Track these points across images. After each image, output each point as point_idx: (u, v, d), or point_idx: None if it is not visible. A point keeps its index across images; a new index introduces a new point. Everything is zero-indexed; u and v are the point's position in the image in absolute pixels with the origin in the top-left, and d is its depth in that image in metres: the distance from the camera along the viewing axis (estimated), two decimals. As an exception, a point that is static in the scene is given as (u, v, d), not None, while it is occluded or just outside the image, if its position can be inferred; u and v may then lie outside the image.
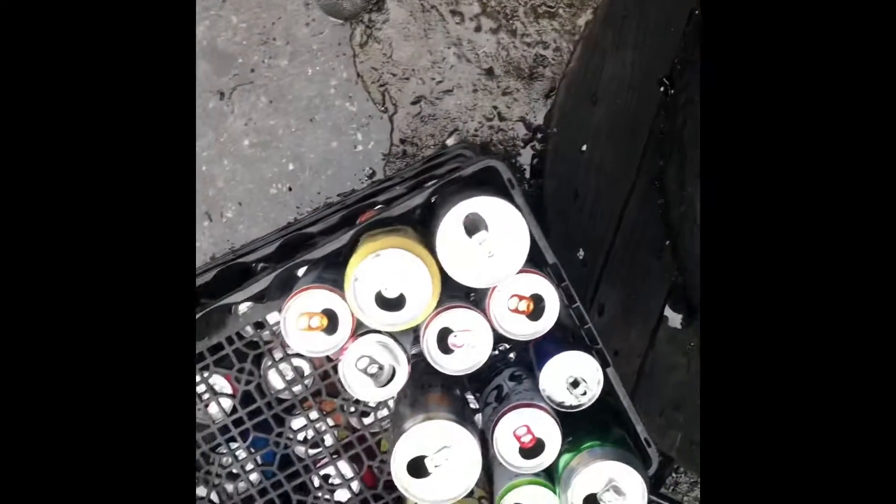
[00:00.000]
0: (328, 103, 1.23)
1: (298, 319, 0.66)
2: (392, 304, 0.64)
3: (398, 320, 0.64)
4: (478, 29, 1.19)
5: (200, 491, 0.85)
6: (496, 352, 0.85)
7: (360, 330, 0.68)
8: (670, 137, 1.06)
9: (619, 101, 1.08)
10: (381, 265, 0.63)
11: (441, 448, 0.65)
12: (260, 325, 0.81)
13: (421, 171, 0.96)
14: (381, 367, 0.67)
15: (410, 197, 0.70)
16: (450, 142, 1.23)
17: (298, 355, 0.83)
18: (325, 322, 0.66)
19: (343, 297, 0.66)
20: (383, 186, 0.91)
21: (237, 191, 1.25)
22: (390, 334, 0.67)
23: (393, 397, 0.68)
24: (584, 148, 1.08)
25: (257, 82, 1.22)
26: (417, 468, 0.65)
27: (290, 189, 1.25)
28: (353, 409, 0.84)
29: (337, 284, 0.67)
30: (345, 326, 0.67)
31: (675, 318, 1.13)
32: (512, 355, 0.84)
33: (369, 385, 0.68)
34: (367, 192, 0.95)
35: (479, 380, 0.83)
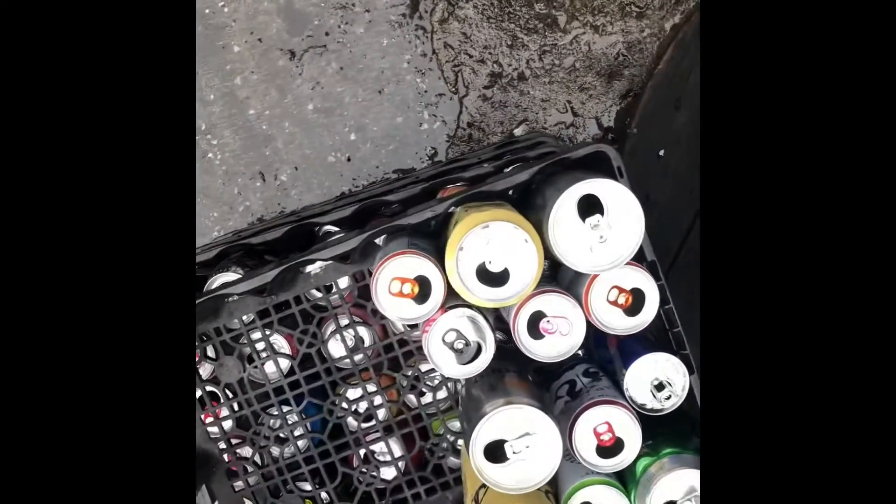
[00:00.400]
0: (399, 77, 1.20)
1: (391, 283, 0.63)
2: (495, 278, 0.61)
3: (499, 296, 0.61)
4: (561, 20, 1.16)
5: (245, 451, 0.83)
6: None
7: (449, 303, 0.65)
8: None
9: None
10: (489, 237, 0.60)
11: (523, 434, 0.62)
12: (329, 289, 0.79)
13: (501, 153, 0.93)
14: (467, 343, 0.65)
15: (514, 173, 0.68)
16: (517, 131, 1.20)
17: (364, 323, 0.81)
18: (416, 290, 0.64)
19: (437, 267, 0.64)
20: (466, 163, 0.89)
21: (294, 155, 1.22)
22: (480, 311, 0.65)
23: (473, 376, 0.65)
24: (661, 153, 1.06)
25: (330, 47, 1.20)
26: (495, 453, 0.63)
27: (348, 159, 1.22)
28: (412, 385, 0.81)
29: (431, 253, 0.65)
30: (436, 297, 0.64)
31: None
32: (580, 352, 0.82)
33: (452, 360, 0.65)
34: (449, 167, 0.92)
35: (542, 373, 0.80)
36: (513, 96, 1.19)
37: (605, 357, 0.76)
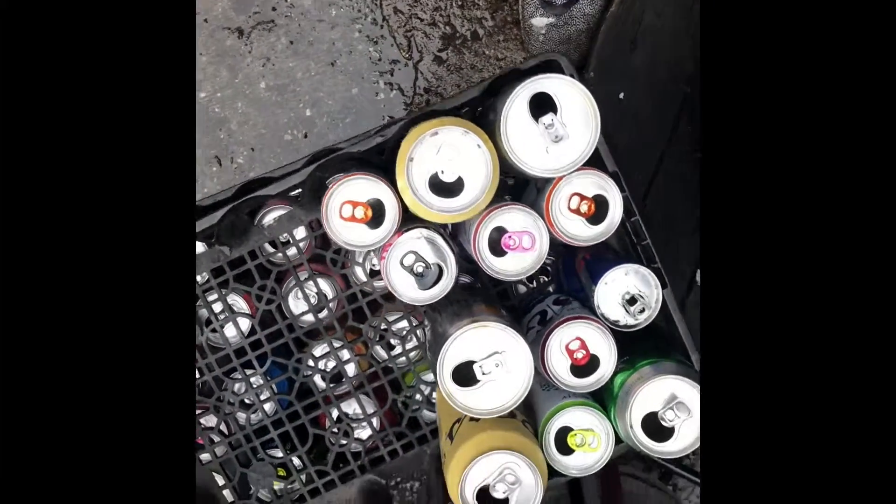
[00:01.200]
0: (351, 47, 1.18)
1: (342, 208, 0.60)
2: (448, 188, 0.58)
3: (454, 206, 0.58)
4: (511, -24, 1.15)
5: (209, 420, 0.79)
6: (534, 284, 0.79)
7: (406, 226, 0.62)
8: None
9: (658, 50, 1.04)
10: (439, 144, 0.57)
11: (492, 353, 0.59)
12: (286, 244, 0.75)
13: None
14: (427, 266, 0.62)
15: (464, 90, 0.65)
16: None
17: (324, 275, 0.77)
18: (369, 213, 0.61)
19: (390, 188, 0.61)
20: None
21: (250, 135, 1.19)
22: (439, 231, 0.62)
23: (438, 300, 0.62)
24: (621, 96, 1.04)
25: (278, 22, 1.17)
26: (465, 376, 0.59)
27: (305, 136, 1.19)
28: (380, 335, 0.78)
29: (384, 175, 0.62)
30: (390, 219, 0.61)
31: (705, 282, 1.08)
32: (551, 288, 0.79)
33: (413, 285, 0.62)
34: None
35: (513, 310, 0.77)
36: (468, 58, 1.17)
37: (575, 286, 0.73)
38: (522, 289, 0.79)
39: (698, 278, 1.09)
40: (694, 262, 1.10)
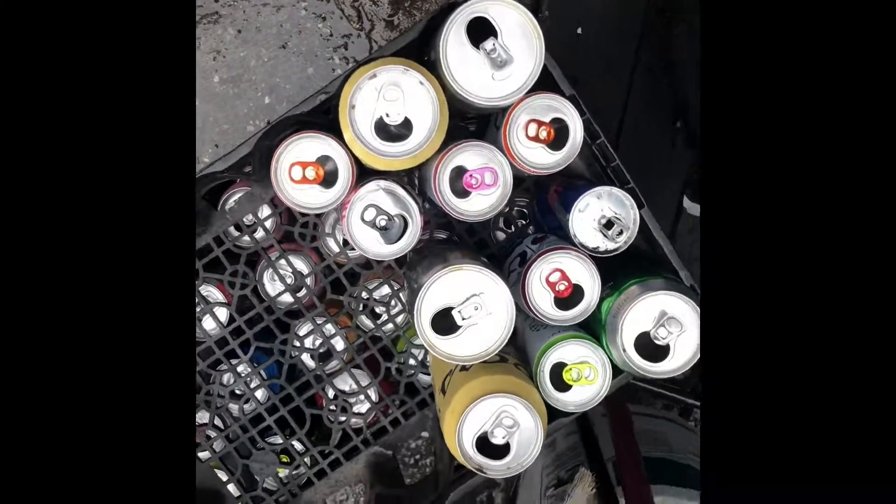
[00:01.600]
0: (300, 27, 1.15)
1: (291, 170, 0.58)
2: (396, 133, 0.56)
3: (405, 150, 0.56)
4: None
5: (202, 416, 0.77)
6: (511, 228, 0.77)
7: (362, 181, 0.60)
8: (669, 10, 0.99)
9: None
10: (380, 86, 0.55)
11: (469, 296, 0.56)
12: (248, 228, 0.73)
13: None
14: (390, 218, 0.59)
15: (403, 34, 0.62)
16: (433, 55, 1.15)
17: (295, 252, 0.75)
18: (320, 172, 0.58)
19: (338, 142, 0.58)
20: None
21: (212, 133, 1.17)
22: (396, 179, 0.59)
23: (408, 252, 0.60)
24: (579, 31, 1.01)
25: (222, 12, 1.15)
26: (445, 324, 0.57)
27: (268, 123, 1.16)
28: (363, 304, 0.75)
29: (330, 130, 0.59)
30: (343, 176, 0.59)
31: (693, 208, 1.06)
32: (530, 230, 0.76)
33: (378, 240, 0.60)
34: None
35: (492, 258, 0.75)
36: (419, 17, 1.13)
37: (553, 223, 0.71)
38: (502, 236, 0.76)
39: (686, 204, 1.07)
40: (679, 188, 1.07)
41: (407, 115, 0.55)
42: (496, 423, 0.56)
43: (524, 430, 0.57)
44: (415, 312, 0.56)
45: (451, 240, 0.74)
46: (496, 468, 0.57)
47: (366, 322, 0.77)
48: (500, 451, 0.57)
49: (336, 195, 0.59)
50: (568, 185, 0.66)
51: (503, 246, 0.74)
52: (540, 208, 0.72)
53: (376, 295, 0.75)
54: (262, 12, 1.15)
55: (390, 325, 0.76)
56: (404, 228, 0.60)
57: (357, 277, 0.76)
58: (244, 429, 0.77)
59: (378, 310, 0.76)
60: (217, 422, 0.77)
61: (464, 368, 0.60)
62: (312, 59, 1.16)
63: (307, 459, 0.77)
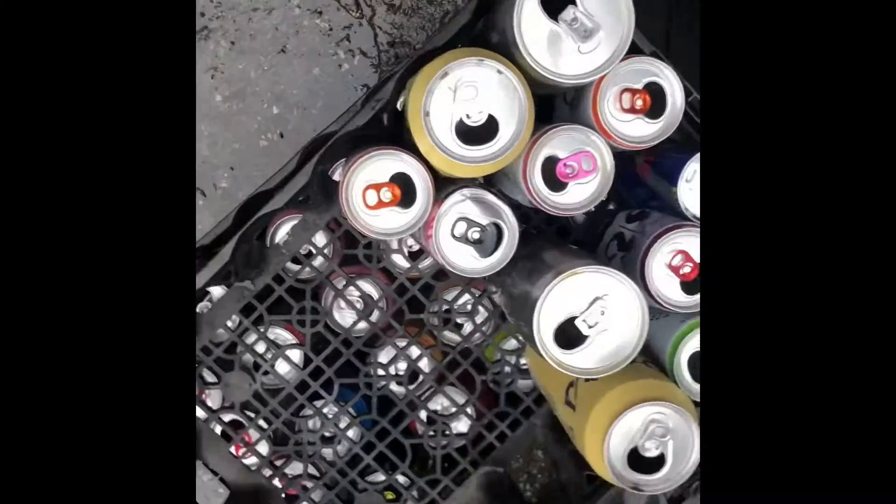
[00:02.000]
0: (297, 27, 1.07)
1: (365, 195, 0.51)
2: (481, 133, 0.49)
3: (494, 151, 0.49)
4: None
5: (295, 468, 0.71)
6: (593, 209, 0.70)
7: (443, 193, 0.53)
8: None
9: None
10: (454, 85, 0.48)
11: (593, 301, 0.50)
12: (307, 256, 0.66)
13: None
14: (483, 229, 0.52)
15: (452, 18, 0.55)
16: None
17: (362, 276, 0.68)
18: (397, 192, 0.51)
19: (412, 156, 0.51)
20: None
21: (224, 155, 1.09)
22: (483, 186, 0.52)
23: (505, 263, 0.53)
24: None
25: (211, 26, 1.06)
26: (569, 336, 0.51)
27: (281, 135, 1.09)
28: (444, 319, 0.69)
29: (392, 142, 0.52)
30: (423, 192, 0.52)
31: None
32: (612, 206, 0.69)
33: (474, 255, 0.53)
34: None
35: (581, 244, 0.68)
36: (423, -5, 1.06)
37: (643, 196, 0.64)
38: (580, 218, 0.69)
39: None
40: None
41: (489, 111, 0.48)
42: (646, 436, 0.50)
43: (678, 436, 0.51)
44: (534, 333, 0.49)
45: (528, 233, 0.67)
46: (655, 483, 0.51)
47: (450, 336, 0.70)
48: (654, 464, 0.51)
49: (417, 214, 0.52)
50: (660, 153, 0.59)
51: (587, 229, 0.68)
52: (625, 182, 0.65)
53: (456, 305, 0.69)
54: (254, 18, 1.07)
55: (477, 335, 0.69)
56: (499, 236, 0.53)
57: (430, 290, 0.70)
58: (342, 472, 0.71)
59: (460, 320, 0.70)
60: (311, 470, 0.71)
61: (590, 378, 0.54)
62: (316, 59, 1.08)
63: (415, 493, 0.71)
